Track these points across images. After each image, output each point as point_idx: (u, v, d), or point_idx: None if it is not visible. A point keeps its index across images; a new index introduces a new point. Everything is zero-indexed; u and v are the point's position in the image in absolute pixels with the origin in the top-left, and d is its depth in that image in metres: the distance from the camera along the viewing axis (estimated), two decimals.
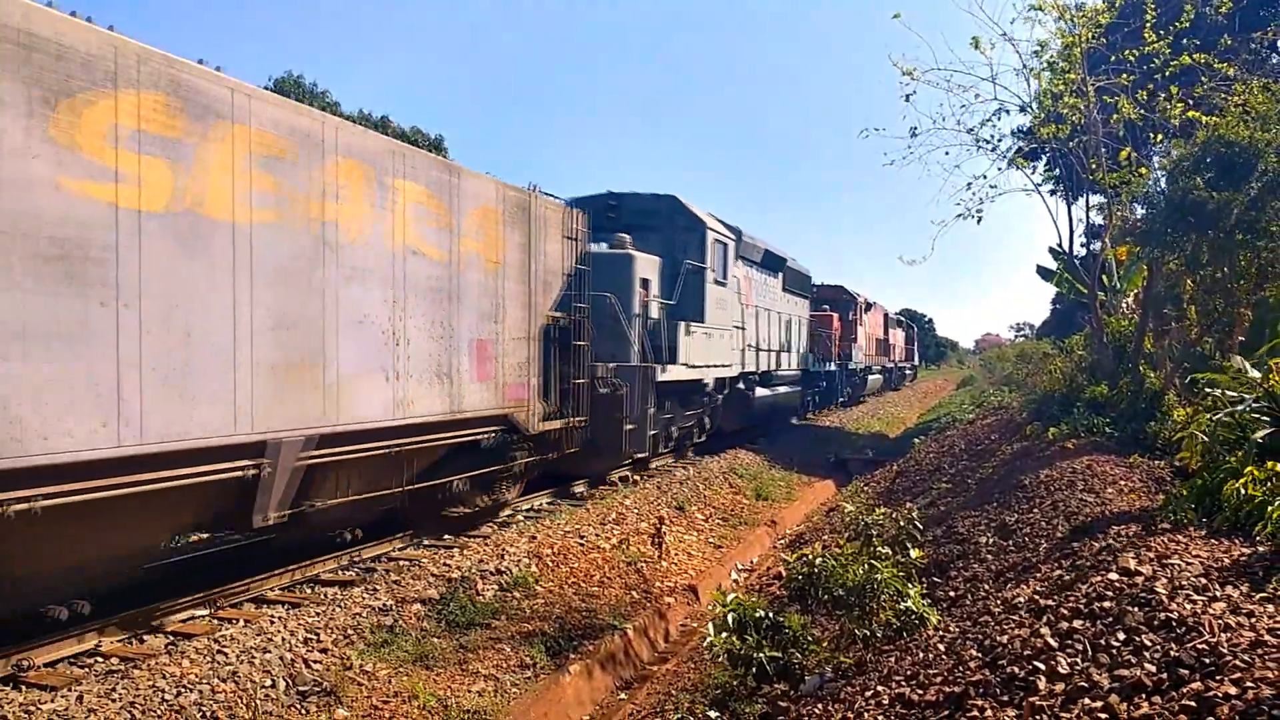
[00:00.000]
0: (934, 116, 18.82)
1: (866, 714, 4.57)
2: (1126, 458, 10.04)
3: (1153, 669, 3.49)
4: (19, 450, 5.44)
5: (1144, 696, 3.33)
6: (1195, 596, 4.12)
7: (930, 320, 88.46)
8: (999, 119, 16.71)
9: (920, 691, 4.47)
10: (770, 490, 16.88)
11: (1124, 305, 18.22)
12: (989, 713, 3.75)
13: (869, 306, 36.89)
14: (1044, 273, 22.98)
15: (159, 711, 5.73)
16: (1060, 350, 21.42)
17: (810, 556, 6.94)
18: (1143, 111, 13.57)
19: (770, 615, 6.51)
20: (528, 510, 12.19)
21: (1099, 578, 4.86)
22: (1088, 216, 17.54)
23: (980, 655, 4.53)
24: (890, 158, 16.16)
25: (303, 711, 6.15)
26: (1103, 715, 3.30)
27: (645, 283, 14.61)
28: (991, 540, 8.20)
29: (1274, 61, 17.52)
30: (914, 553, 7.43)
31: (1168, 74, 13.52)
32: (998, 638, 4.64)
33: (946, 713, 4.01)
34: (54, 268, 5.63)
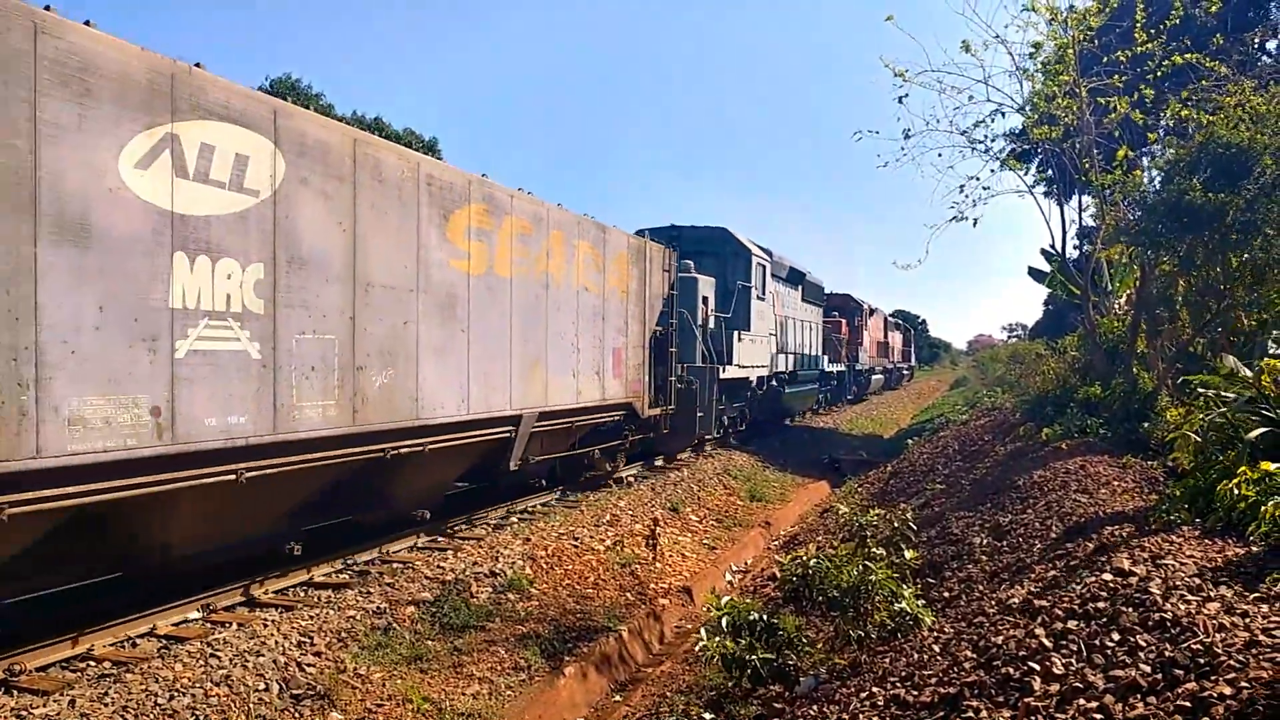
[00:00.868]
0: (927, 118, 18.85)
1: (861, 715, 4.57)
2: (1120, 458, 10.05)
3: (1147, 669, 3.50)
4: (429, 416, 9.30)
5: (1139, 697, 3.33)
6: (1189, 597, 4.13)
7: (923, 321, 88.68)
8: (992, 121, 16.76)
9: (915, 693, 4.47)
10: (764, 491, 16.88)
11: (1116, 306, 18.27)
12: (984, 713, 3.75)
13: (871, 312, 40.33)
14: (1036, 274, 23.04)
15: (152, 715, 5.70)
16: (1053, 351, 21.47)
17: (804, 558, 6.94)
18: (1138, 111, 13.61)
19: (764, 617, 6.51)
20: (522, 512, 12.17)
21: (1093, 578, 4.87)
22: (1080, 218, 17.60)
23: (975, 656, 4.53)
24: (884, 159, 16.22)
25: (296, 715, 6.12)
26: (1098, 716, 3.30)
27: (705, 300, 17.85)
28: (985, 541, 8.21)
29: (1264, 62, 17.57)
30: (908, 554, 7.44)
31: (1160, 75, 13.57)
32: (992, 638, 4.64)
33: (941, 714, 4.01)
34: (443, 312, 9.53)
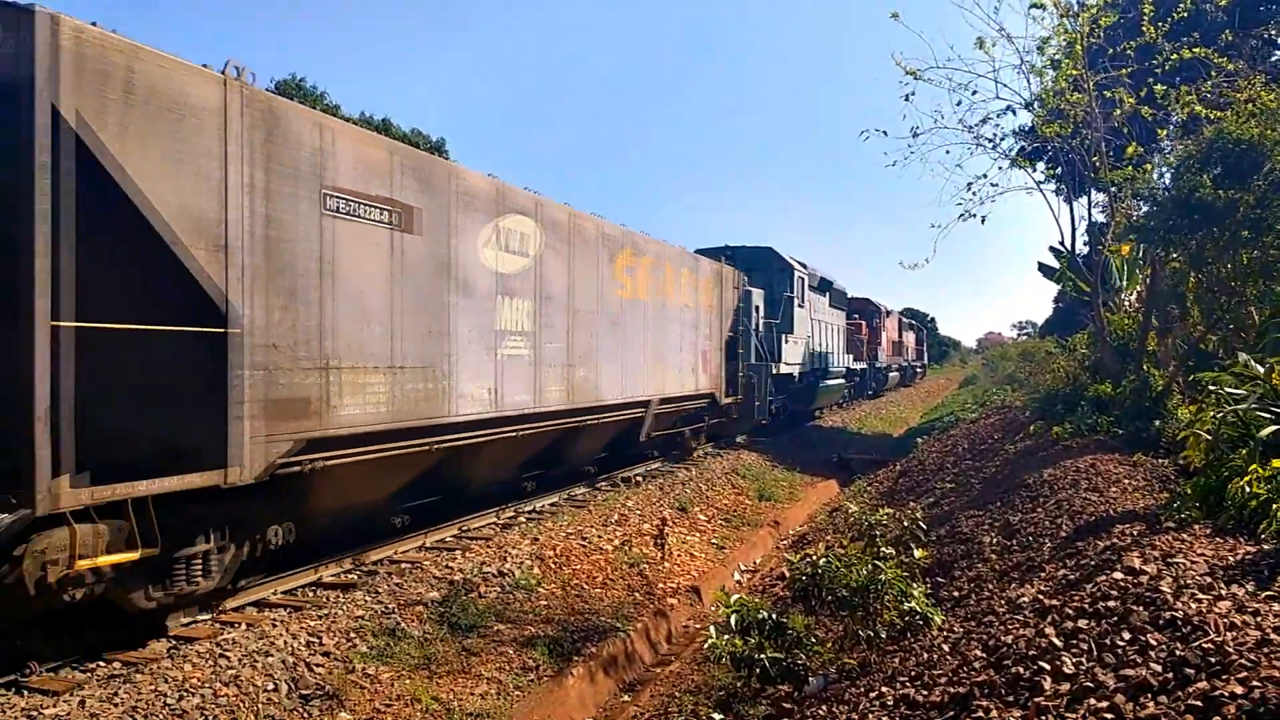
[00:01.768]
0: (934, 115, 18.80)
1: (870, 715, 4.55)
2: (1130, 456, 10.00)
3: (1158, 668, 3.47)
4: (603, 399, 13.16)
5: (1150, 696, 3.30)
6: (1200, 595, 4.10)
7: (933, 320, 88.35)
8: (1001, 118, 16.70)
9: (925, 692, 4.45)
10: (773, 491, 16.85)
11: (1127, 303, 18.18)
12: (994, 713, 3.73)
13: (888, 314, 43.47)
14: (1046, 270, 22.93)
15: (161, 716, 5.72)
16: (1063, 349, 21.38)
17: (813, 557, 6.92)
18: (1145, 107, 13.53)
19: (773, 616, 6.49)
20: (530, 511, 12.17)
21: (1104, 577, 4.84)
22: (1090, 215, 17.51)
23: (985, 655, 4.51)
24: (892, 158, 16.18)
25: (305, 715, 6.13)
26: (1108, 715, 3.28)
27: (758, 309, 21.29)
28: (995, 540, 8.18)
29: (1276, 58, 17.47)
30: (918, 553, 7.41)
31: (1168, 68, 13.49)
32: (1002, 638, 4.61)
33: (951, 713, 3.99)
34: (612, 326, 13.44)
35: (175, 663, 6.40)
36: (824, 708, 5.24)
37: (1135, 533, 6.09)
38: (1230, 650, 3.37)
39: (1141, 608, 4.12)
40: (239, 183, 6.90)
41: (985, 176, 16.24)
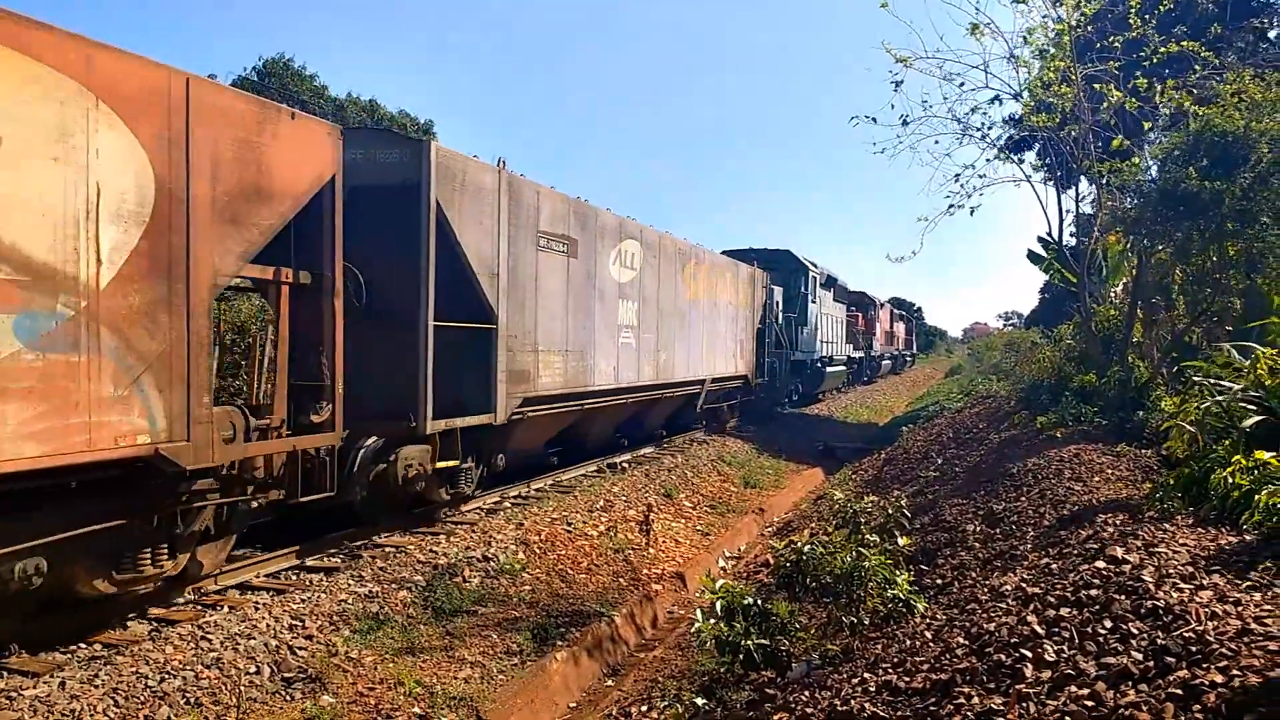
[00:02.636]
0: (923, 104, 18.81)
1: (853, 701, 4.56)
2: (1114, 446, 10.06)
3: (1139, 657, 3.49)
4: (675, 377, 16.95)
5: (1131, 684, 3.32)
6: (1182, 585, 4.12)
7: (919, 309, 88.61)
8: (990, 107, 16.70)
9: (907, 679, 4.46)
10: (759, 478, 16.90)
11: (1113, 294, 18.26)
12: (976, 700, 3.74)
13: (881, 306, 47.14)
14: (1034, 257, 22.99)
15: (142, 698, 5.69)
16: (1049, 339, 21.47)
17: (798, 544, 6.93)
18: (1132, 99, 13.56)
19: (758, 602, 6.50)
20: (515, 497, 12.16)
21: (1086, 566, 4.86)
22: (1077, 206, 17.56)
23: (967, 643, 4.52)
24: (880, 145, 16.16)
25: (287, 698, 6.12)
26: (1089, 703, 3.29)
27: (778, 304, 24.69)
28: (979, 528, 8.21)
29: (1265, 51, 17.52)
30: (902, 540, 7.42)
31: (1156, 61, 13.51)
32: (985, 625, 4.63)
33: (933, 700, 4.00)
34: (681, 320, 17.23)
35: (156, 645, 6.37)
36: (807, 693, 5.25)
37: (1118, 522, 6.12)
38: (1211, 639, 3.39)
39: (1123, 596, 4.14)
40: (499, 233, 10.72)
41: (973, 167, 16.25)
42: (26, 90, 5.39)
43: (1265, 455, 5.35)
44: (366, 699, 6.32)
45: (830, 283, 30.97)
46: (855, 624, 6.35)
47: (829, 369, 30.87)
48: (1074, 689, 3.43)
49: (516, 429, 11.46)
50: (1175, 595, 3.97)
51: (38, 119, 5.46)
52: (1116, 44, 13.66)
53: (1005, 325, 72.83)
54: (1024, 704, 3.50)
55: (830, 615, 6.76)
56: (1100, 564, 4.77)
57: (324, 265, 7.92)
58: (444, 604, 7.98)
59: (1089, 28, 13.94)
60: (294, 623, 7.04)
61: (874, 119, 15.39)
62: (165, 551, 6.80)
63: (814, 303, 27.67)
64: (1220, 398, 7.02)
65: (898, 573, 6.56)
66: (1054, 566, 5.44)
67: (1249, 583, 4.05)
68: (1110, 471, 8.62)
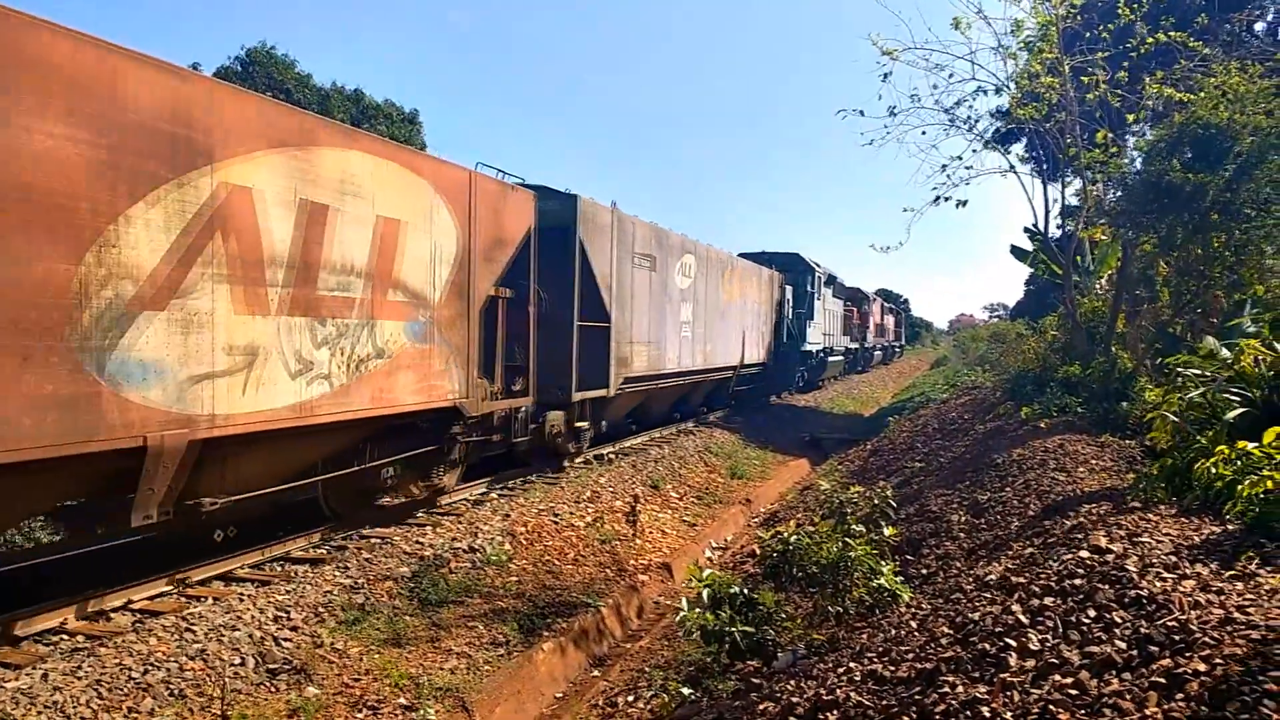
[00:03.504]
0: (911, 95, 18.86)
1: (839, 690, 4.57)
2: (1098, 437, 10.11)
3: (1123, 646, 3.50)
4: (717, 363, 20.50)
5: (1114, 673, 3.34)
6: (1165, 574, 4.14)
7: (906, 301, 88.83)
8: (975, 99, 16.73)
9: (893, 668, 4.47)
10: (745, 469, 16.92)
11: (1098, 286, 18.34)
12: (960, 688, 3.75)
13: (873, 300, 49.71)
14: (1019, 253, 23.07)
15: (125, 689, 5.66)
16: (1034, 331, 21.56)
17: (784, 534, 6.94)
18: (1117, 91, 13.59)
19: (744, 592, 6.52)
20: (501, 489, 12.14)
21: (1070, 555, 4.88)
22: (1063, 197, 17.62)
23: (952, 632, 4.54)
24: (869, 137, 16.20)
25: (272, 689, 6.09)
26: (1073, 691, 3.31)
27: (789, 301, 27.84)
28: (964, 518, 8.24)
29: (1250, 44, 17.58)
30: (887, 530, 7.45)
31: (1143, 52, 13.54)
32: (969, 614, 4.65)
33: (919, 689, 4.01)
34: (722, 317, 20.86)
35: (140, 636, 6.33)
36: (793, 683, 5.26)
37: (1102, 512, 6.15)
38: (1194, 628, 3.40)
39: (1107, 586, 4.16)
40: (612, 256, 14.13)
41: (960, 159, 16.27)
42: (413, 192, 9.11)
43: (1248, 445, 5.38)
44: (352, 690, 6.30)
45: (831, 281, 33.98)
46: (841, 613, 6.38)
47: (830, 359, 34.30)
48: (1058, 678, 3.44)
49: (617, 401, 15.15)
50: (1159, 584, 3.99)
51: (417, 208, 9.18)
52: (1105, 35, 13.69)
53: (990, 317, 73.16)
54: (1008, 693, 3.51)
55: (816, 605, 6.78)
56: (1084, 553, 4.79)
57: (525, 285, 11.64)
58: (430, 595, 7.96)
59: (1078, 18, 13.96)
60: (279, 614, 7.01)
61: (861, 111, 15.39)
62: (442, 471, 10.52)
63: (819, 300, 30.82)
64: (1204, 389, 7.06)
65: (883, 562, 6.59)
66: (1038, 556, 5.46)
67: (1232, 572, 4.07)
68: (1094, 462, 8.67)
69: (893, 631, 5.36)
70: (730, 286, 21.34)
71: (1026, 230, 20.90)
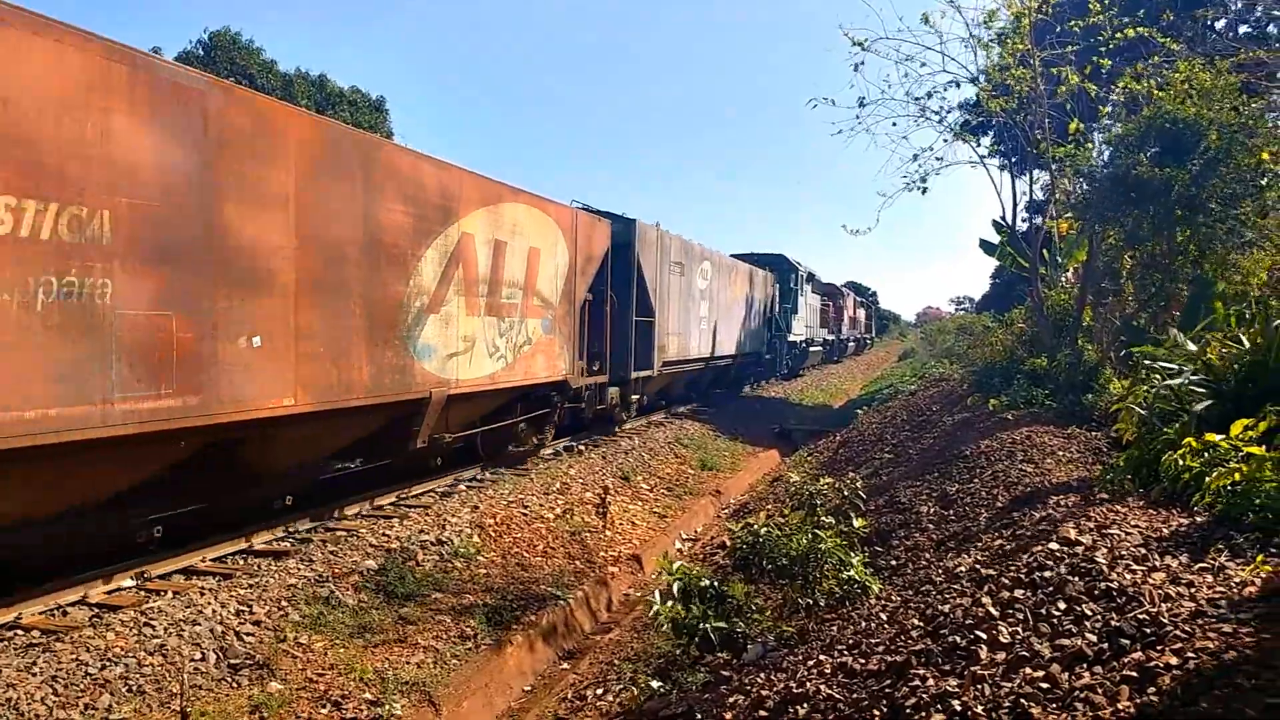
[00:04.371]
0: (882, 85, 18.95)
1: (809, 683, 4.55)
2: (1065, 429, 10.18)
3: (1094, 639, 3.49)
4: (723, 351, 23.80)
5: (1085, 666, 3.33)
6: (1135, 566, 4.15)
7: (875, 294, 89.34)
8: (946, 91, 16.79)
9: (863, 660, 4.45)
10: (715, 460, 16.91)
11: (1064, 279, 18.50)
12: (931, 681, 3.73)
13: (846, 295, 53.77)
14: (987, 246, 23.24)
15: (82, 685, 5.52)
16: (1001, 323, 21.73)
17: (755, 526, 6.91)
18: (1088, 83, 13.68)
19: (715, 584, 6.48)
20: (470, 479, 12.03)
21: (1040, 547, 4.89)
22: (1031, 190, 17.75)
23: (922, 624, 4.52)
24: (838, 127, 16.23)
25: (234, 685, 5.97)
26: (1044, 685, 3.29)
27: (776, 298, 30.37)
28: (933, 510, 8.27)
29: (1213, 41, 17.78)
30: (857, 522, 7.45)
31: (1112, 46, 13.64)
32: (939, 607, 4.64)
33: (889, 681, 3.99)
34: (726, 312, 24.11)
35: (97, 631, 6.18)
36: (763, 675, 5.23)
37: (1070, 504, 6.18)
38: (1165, 621, 3.40)
39: (1077, 578, 4.16)
40: (656, 264, 17.49)
41: (930, 149, 16.37)
42: (545, 227, 12.72)
43: (1215, 437, 5.41)
44: (316, 685, 6.19)
45: (810, 278, 37.54)
46: (811, 605, 6.36)
47: (811, 349, 38.36)
48: (1029, 671, 3.43)
49: (656, 380, 18.63)
50: (1129, 577, 3.99)
51: (547, 238, 12.78)
52: (1076, 28, 13.77)
53: (957, 310, 73.74)
54: (979, 686, 3.49)
55: (786, 597, 6.76)
56: (1054, 545, 4.80)
57: (603, 290, 15.20)
58: (397, 588, 7.86)
59: (1048, 11, 14.03)
60: (241, 608, 6.87)
61: (833, 100, 15.40)
62: (547, 429, 14.19)
63: (801, 295, 34.08)
64: (1171, 381, 7.11)
65: (853, 554, 6.58)
66: (1008, 548, 5.47)
67: (1202, 564, 4.08)
68: (1062, 454, 8.72)
69: (863, 624, 5.35)
70: (734, 286, 24.71)
71: (994, 223, 21.05)
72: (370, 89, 41.78)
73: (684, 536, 12.33)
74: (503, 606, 8.03)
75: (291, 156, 7.78)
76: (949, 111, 16.17)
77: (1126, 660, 3.23)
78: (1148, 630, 3.39)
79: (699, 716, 5.16)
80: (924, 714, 3.47)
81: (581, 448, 15.21)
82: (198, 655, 6.13)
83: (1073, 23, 13.81)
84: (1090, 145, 14.42)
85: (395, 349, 9.24)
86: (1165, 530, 4.79)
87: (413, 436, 10.02)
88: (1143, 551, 4.38)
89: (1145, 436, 6.83)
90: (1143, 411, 7.15)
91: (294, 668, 6.30)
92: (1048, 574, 4.36)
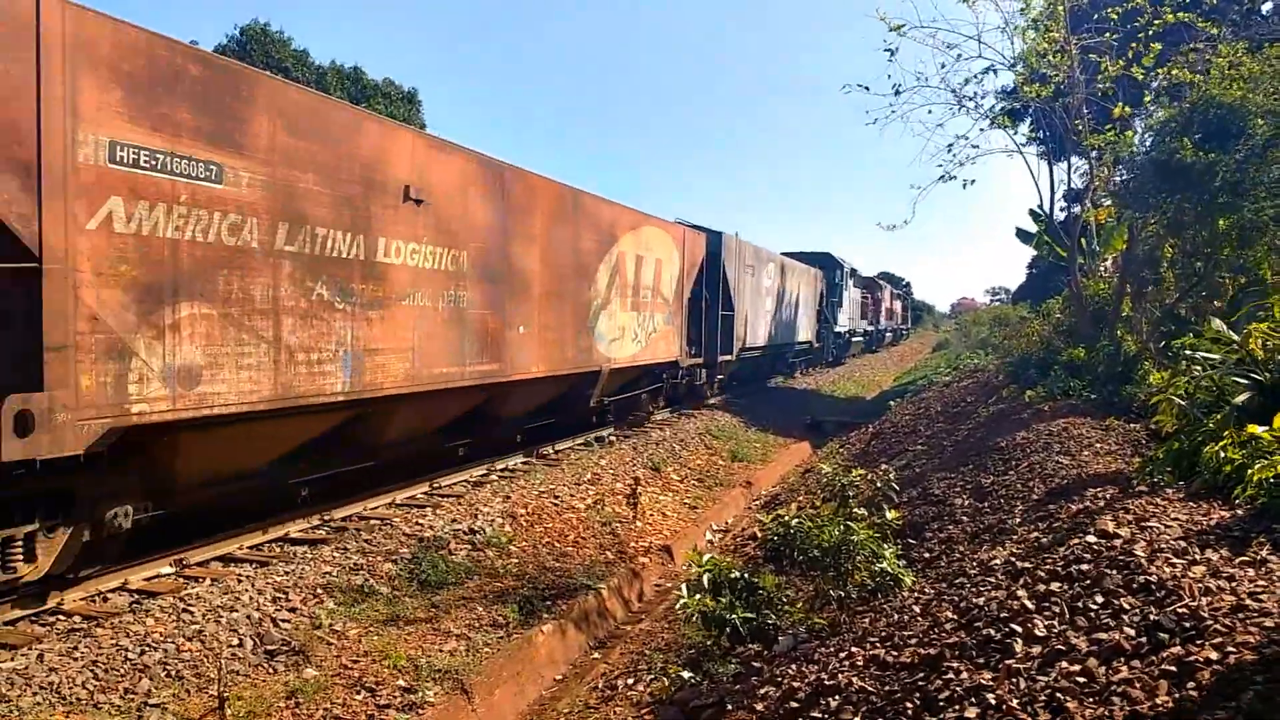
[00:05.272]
0: (917, 74, 18.72)
1: (840, 675, 4.52)
2: (1102, 420, 10.03)
3: (1132, 633, 3.44)
4: (757, 344, 24.33)
5: (1123, 660, 3.28)
6: (1175, 560, 4.08)
7: (908, 284, 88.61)
8: (982, 79, 16.59)
9: (895, 653, 4.42)
10: (746, 451, 16.86)
11: (1103, 268, 18.22)
12: (965, 675, 3.69)
13: (883, 288, 56.32)
14: (1023, 235, 22.91)
15: (122, 670, 5.62)
16: (1037, 314, 21.45)
17: (786, 517, 6.88)
18: (1137, 66, 13.41)
19: (745, 576, 6.46)
20: (502, 470, 12.09)
21: (1077, 540, 4.82)
22: (1069, 179, 17.48)
23: (956, 617, 4.48)
24: (873, 116, 16.05)
25: (270, 670, 6.05)
26: (1081, 679, 3.25)
27: (824, 293, 33.14)
28: (967, 502, 8.18)
29: (1259, 24, 17.38)
30: (890, 514, 7.40)
31: (1151, 33, 13.38)
32: (974, 600, 4.59)
33: (922, 674, 3.96)
34: (789, 308, 28.36)
35: (137, 617, 6.29)
36: (793, 667, 5.21)
37: (1108, 496, 6.09)
38: (1205, 615, 3.34)
39: (1115, 571, 4.09)
40: (736, 267, 20.81)
41: (966, 138, 16.16)
42: (665, 242, 16.73)
43: (1258, 429, 5.30)
44: (350, 671, 6.25)
45: (853, 273, 41.12)
46: (843, 597, 6.32)
47: (853, 339, 42.31)
48: (1065, 665, 3.39)
49: (732, 364, 21.92)
50: (1168, 570, 3.92)
51: (666, 250, 16.75)
52: (1114, 15, 13.52)
53: (993, 300, 72.98)
54: (1014, 679, 3.45)
55: (818, 589, 6.72)
56: (1090, 538, 4.73)
57: (700, 290, 18.67)
58: (429, 577, 7.92)
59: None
60: (277, 595, 6.96)
61: (866, 87, 15.25)
62: (660, 401, 18.19)
63: (845, 290, 37.63)
64: (1211, 372, 6.98)
65: (885, 546, 6.53)
66: (1044, 541, 5.40)
67: (1243, 558, 4.00)
68: (1099, 445, 8.59)
69: (895, 616, 5.31)
70: (792, 284, 27.71)
71: (1031, 212, 20.76)
72: (403, 80, 41.98)
73: (715, 527, 12.31)
74: (534, 595, 8.07)
75: (539, 209, 11.81)
76: (984, 97, 15.96)
77: (1165, 655, 3.17)
78: (1187, 625, 3.33)
79: (730, 707, 5.15)
80: (958, 707, 3.43)
81: (673, 417, 18.56)
82: (235, 641, 6.22)
83: (1110, 10, 13.55)
84: (1132, 132, 14.15)
85: (584, 335, 13.26)
86: (1205, 523, 4.71)
87: (589, 397, 14.16)
88: (1182, 545, 4.30)
89: (1185, 428, 6.71)
90: (1183, 403, 7.02)
91: (329, 654, 6.37)
92: (1085, 567, 4.30)
